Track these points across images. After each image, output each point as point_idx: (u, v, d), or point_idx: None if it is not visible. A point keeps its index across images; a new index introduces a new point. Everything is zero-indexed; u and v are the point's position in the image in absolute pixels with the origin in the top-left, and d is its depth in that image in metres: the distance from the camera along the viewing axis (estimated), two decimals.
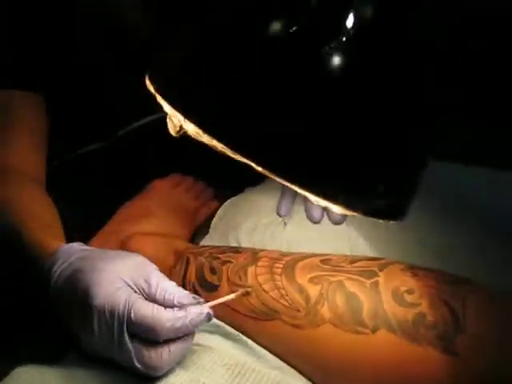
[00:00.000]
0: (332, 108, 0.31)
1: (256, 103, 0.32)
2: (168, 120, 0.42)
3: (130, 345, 0.43)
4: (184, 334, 0.44)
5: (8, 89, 0.69)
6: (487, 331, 0.43)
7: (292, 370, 0.49)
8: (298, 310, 0.48)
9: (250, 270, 0.53)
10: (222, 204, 0.76)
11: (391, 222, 0.36)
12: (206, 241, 0.68)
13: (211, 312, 0.45)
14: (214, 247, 0.61)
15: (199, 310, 0.44)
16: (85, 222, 0.74)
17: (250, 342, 0.50)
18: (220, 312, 0.53)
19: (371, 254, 0.56)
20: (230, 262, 0.55)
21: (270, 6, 0.35)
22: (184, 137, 0.80)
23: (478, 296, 0.46)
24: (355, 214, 0.33)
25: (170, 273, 0.59)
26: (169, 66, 0.35)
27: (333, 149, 0.31)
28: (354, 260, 0.52)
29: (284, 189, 0.69)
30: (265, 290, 0.51)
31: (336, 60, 0.32)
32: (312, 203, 0.62)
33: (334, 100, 0.32)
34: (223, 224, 0.69)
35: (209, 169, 0.85)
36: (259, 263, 0.54)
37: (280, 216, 0.66)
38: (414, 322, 0.44)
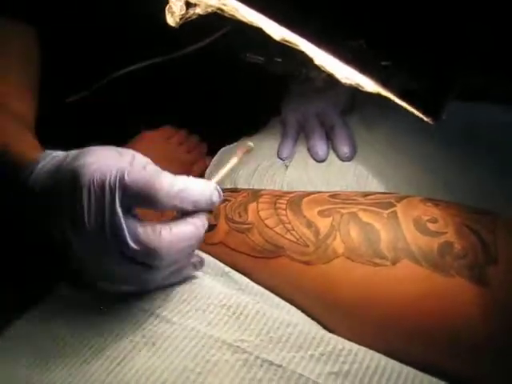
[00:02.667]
0: None
1: None
2: (168, 11, 0.36)
3: (122, 219, 0.35)
4: (186, 211, 0.38)
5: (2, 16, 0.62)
6: None
7: (294, 309, 0.43)
8: (307, 245, 0.43)
9: (251, 206, 0.48)
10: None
11: (423, 117, 0.30)
12: None
13: (218, 188, 0.39)
14: None
15: (203, 183, 0.38)
16: None
17: (245, 279, 0.44)
18: (218, 252, 0.47)
19: (385, 188, 0.50)
20: (227, 200, 0.50)
21: None
22: (173, 79, 0.75)
23: (508, 224, 0.41)
24: (389, 92, 0.27)
25: (162, 215, 0.53)
26: None
27: (372, 8, 0.25)
28: (366, 194, 0.47)
29: (285, 131, 0.64)
30: (268, 226, 0.45)
31: None
32: (316, 140, 0.57)
33: None
34: (219, 170, 0.64)
35: (203, 124, 0.81)
36: (261, 199, 0.48)
37: (281, 159, 0.61)
38: (440, 252, 0.39)
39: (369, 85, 0.27)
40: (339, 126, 0.59)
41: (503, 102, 0.58)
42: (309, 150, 0.59)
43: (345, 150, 0.57)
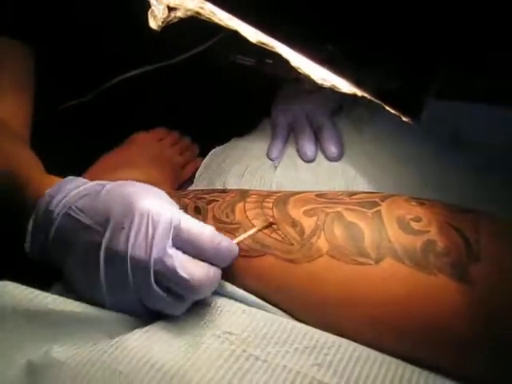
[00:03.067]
0: None
1: None
2: (150, 14, 0.37)
3: (173, 251, 0.39)
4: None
5: None
6: (503, 258, 0.39)
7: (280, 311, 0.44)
8: (292, 244, 0.43)
9: (239, 206, 0.48)
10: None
11: (403, 116, 0.30)
12: (193, 185, 0.62)
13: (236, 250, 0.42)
14: (199, 189, 0.56)
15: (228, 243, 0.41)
16: (64, 175, 0.69)
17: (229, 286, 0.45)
18: None
19: (369, 187, 0.51)
20: (216, 200, 0.50)
21: None
22: (165, 85, 0.75)
23: (491, 223, 0.42)
24: (365, 93, 0.28)
25: None
26: None
27: (345, 7, 0.26)
28: (352, 193, 0.47)
29: (275, 132, 0.64)
30: (254, 225, 0.46)
31: None
32: (305, 140, 0.58)
33: None
34: (208, 172, 0.64)
35: (194, 125, 0.81)
36: (248, 199, 0.49)
37: (271, 159, 0.62)
38: (423, 250, 0.39)
39: (344, 86, 0.28)
40: (327, 126, 0.60)
41: (487, 100, 0.58)
42: (298, 150, 0.60)
43: (332, 149, 0.58)
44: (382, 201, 0.45)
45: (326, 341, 0.39)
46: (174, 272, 0.38)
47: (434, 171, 0.54)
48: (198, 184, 0.64)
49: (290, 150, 0.61)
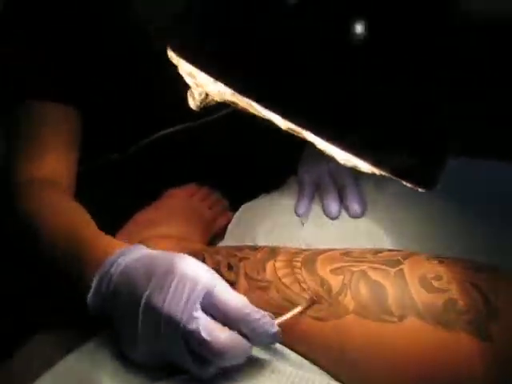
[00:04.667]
0: (361, 63, 0.30)
1: (286, 63, 0.31)
2: (189, 95, 0.41)
3: (201, 314, 0.41)
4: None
5: (45, 100, 0.70)
6: None
7: (315, 367, 0.46)
8: (320, 303, 0.46)
9: (269, 264, 0.51)
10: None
11: (420, 189, 0.34)
12: (222, 245, 0.66)
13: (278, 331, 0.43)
14: (230, 246, 0.60)
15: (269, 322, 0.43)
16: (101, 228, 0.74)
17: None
18: None
19: (392, 245, 0.54)
20: (247, 258, 0.54)
21: None
22: (201, 141, 0.80)
23: (509, 281, 0.44)
24: (384, 172, 0.31)
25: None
26: (197, 34, 0.35)
27: (363, 101, 0.30)
28: (376, 251, 0.50)
29: (302, 190, 0.68)
30: (285, 284, 0.49)
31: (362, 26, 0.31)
32: (329, 199, 0.61)
33: (364, 57, 0.31)
34: (239, 227, 0.68)
35: (223, 180, 0.85)
36: (278, 258, 0.52)
37: (298, 215, 0.65)
38: (444, 308, 0.42)
39: (365, 166, 0.31)
40: (350, 185, 0.63)
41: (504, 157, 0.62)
42: (323, 208, 0.63)
43: (355, 208, 0.61)
44: (404, 259, 0.47)
45: None
46: (198, 334, 0.40)
47: (450, 227, 0.56)
48: (229, 239, 0.67)
49: (316, 207, 0.64)
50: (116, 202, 0.81)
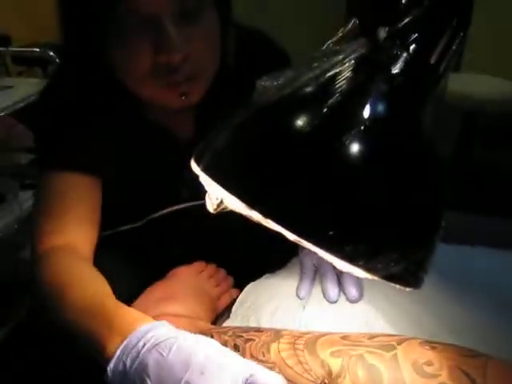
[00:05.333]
0: (353, 184, 0.36)
1: (292, 184, 0.37)
2: (207, 198, 0.47)
3: None
4: None
5: (70, 171, 0.76)
6: None
7: None
8: None
9: (273, 346, 0.55)
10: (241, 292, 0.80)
11: (407, 289, 0.39)
12: (228, 324, 0.70)
13: None
14: (236, 327, 0.64)
15: None
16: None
17: None
18: None
19: (389, 332, 0.58)
20: (252, 339, 0.58)
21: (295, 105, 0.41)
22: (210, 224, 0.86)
23: (498, 368, 0.48)
24: (375, 277, 0.37)
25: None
26: (217, 151, 0.41)
27: (355, 221, 0.36)
28: (372, 336, 0.54)
29: (303, 273, 0.72)
30: (288, 366, 0.53)
31: (356, 146, 0.38)
32: (328, 283, 0.66)
33: (356, 178, 0.37)
34: (244, 308, 0.72)
35: (229, 258, 0.90)
36: (282, 340, 0.56)
37: (299, 298, 0.69)
38: None
39: (359, 272, 0.37)
40: None
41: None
42: (322, 291, 0.68)
43: (353, 292, 0.66)
44: (399, 344, 0.52)
45: None
46: None
47: (447, 312, 0.61)
48: (234, 318, 0.71)
49: (317, 290, 0.69)
50: (125, 272, 0.86)
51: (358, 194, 0.36)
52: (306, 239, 0.35)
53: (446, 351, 0.49)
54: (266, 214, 0.36)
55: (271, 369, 0.53)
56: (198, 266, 0.86)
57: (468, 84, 2.28)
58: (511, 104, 2.21)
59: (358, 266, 0.35)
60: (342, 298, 0.67)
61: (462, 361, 0.48)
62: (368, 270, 0.35)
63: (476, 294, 0.62)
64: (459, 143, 2.46)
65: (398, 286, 0.38)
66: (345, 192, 0.36)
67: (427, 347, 0.50)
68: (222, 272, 0.88)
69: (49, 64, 2.06)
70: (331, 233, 0.35)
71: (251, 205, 0.36)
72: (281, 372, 0.52)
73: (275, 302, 0.68)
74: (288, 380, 0.52)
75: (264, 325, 0.64)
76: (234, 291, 0.84)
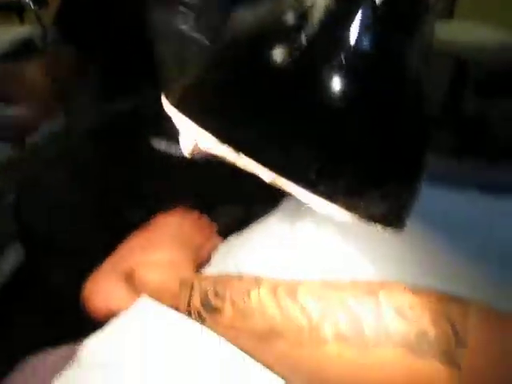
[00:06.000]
0: (333, 118, 0.34)
1: (269, 117, 0.34)
2: (181, 141, 0.44)
3: None
4: None
5: None
6: (488, 346, 0.44)
7: None
8: (301, 330, 0.49)
9: (254, 292, 0.54)
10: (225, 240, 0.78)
11: (389, 229, 0.37)
12: (208, 271, 0.69)
13: None
14: (217, 274, 0.62)
15: None
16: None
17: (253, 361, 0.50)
18: (224, 333, 0.53)
19: (372, 275, 0.57)
20: (233, 286, 0.57)
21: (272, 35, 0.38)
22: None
23: (481, 312, 0.47)
24: (355, 217, 0.35)
25: (175, 298, 0.60)
26: (189, 84, 0.38)
27: (334, 156, 0.33)
28: (354, 281, 0.53)
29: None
30: (268, 312, 0.52)
31: (337, 80, 0.35)
32: None
33: (336, 112, 0.34)
34: (223, 253, 0.71)
35: (212, 205, 0.88)
36: (262, 286, 0.55)
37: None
38: (416, 338, 0.45)
39: (338, 213, 0.35)
40: None
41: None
42: None
43: None
44: (381, 289, 0.50)
45: None
46: None
47: (436, 258, 0.60)
48: (214, 266, 0.70)
49: (297, 231, 0.67)
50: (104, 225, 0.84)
51: (337, 127, 0.33)
52: (282, 175, 0.33)
53: (429, 296, 0.48)
54: (240, 150, 0.33)
55: (251, 315, 0.52)
56: (179, 213, 0.84)
57: (461, 31, 2.23)
58: (505, 52, 2.16)
59: (338, 204, 0.33)
60: (325, 241, 0.65)
61: (443, 305, 0.47)
62: (348, 209, 0.33)
63: (462, 239, 0.61)
64: (450, 93, 2.43)
65: (379, 228, 0.36)
66: (324, 126, 0.33)
67: (410, 292, 0.49)
68: (205, 219, 0.86)
69: (25, 11, 1.98)
70: (309, 168, 0.32)
71: (225, 140, 0.34)
72: (260, 318, 0.51)
73: (256, 244, 0.66)
74: (267, 326, 0.50)
75: (243, 269, 0.63)
76: (218, 238, 0.83)
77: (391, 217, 0.36)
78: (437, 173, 0.56)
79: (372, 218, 0.34)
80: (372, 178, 0.34)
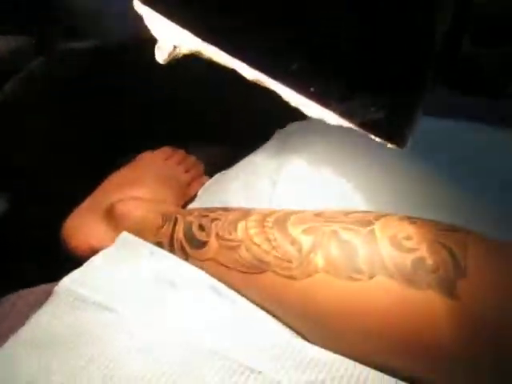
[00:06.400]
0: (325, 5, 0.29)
1: (253, 6, 0.30)
2: (156, 48, 0.40)
3: None
4: None
5: None
6: (489, 275, 0.41)
7: (280, 324, 0.46)
8: (290, 261, 0.46)
9: (241, 224, 0.51)
10: None
11: (389, 144, 0.33)
12: (193, 206, 0.65)
13: None
14: (203, 208, 0.59)
15: None
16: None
17: (231, 293, 0.47)
18: (208, 268, 0.50)
19: (367, 207, 0.53)
20: (219, 219, 0.53)
21: None
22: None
23: (480, 242, 0.44)
24: (351, 123, 0.31)
25: (157, 233, 0.56)
26: None
27: (324, 50, 0.29)
28: (348, 212, 0.50)
29: None
30: (255, 243, 0.49)
31: None
32: None
33: None
34: (210, 191, 0.67)
35: (200, 145, 0.84)
36: (250, 218, 0.51)
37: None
38: (413, 267, 0.42)
39: (332, 118, 0.30)
40: None
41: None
42: None
43: None
44: (376, 220, 0.47)
45: (319, 358, 0.41)
46: None
47: (433, 188, 0.56)
48: (200, 201, 0.66)
49: (289, 166, 0.64)
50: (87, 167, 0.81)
51: (326, 20, 0.29)
52: (266, 73, 0.28)
53: (426, 226, 0.45)
54: (221, 46, 0.29)
55: (237, 247, 0.49)
56: (164, 151, 0.81)
57: None
58: None
59: (330, 108, 0.29)
60: (316, 172, 0.61)
61: (442, 235, 0.44)
62: (342, 113, 0.29)
63: (460, 169, 0.57)
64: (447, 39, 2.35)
65: (377, 139, 0.32)
66: (311, 17, 0.29)
67: (406, 222, 0.46)
68: (192, 158, 0.83)
69: None
70: (296, 65, 0.28)
71: (203, 34, 0.29)
72: (247, 250, 0.48)
73: (242, 180, 0.62)
74: (254, 259, 0.47)
75: (231, 204, 0.60)
76: (205, 178, 0.79)
77: (392, 128, 0.32)
78: (437, 104, 0.52)
79: (369, 125, 0.30)
80: (369, 78, 0.30)
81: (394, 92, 0.31)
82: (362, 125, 0.30)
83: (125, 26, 0.71)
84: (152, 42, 0.40)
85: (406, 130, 0.34)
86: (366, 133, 0.31)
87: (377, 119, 0.30)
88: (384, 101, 0.30)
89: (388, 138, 0.32)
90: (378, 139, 0.32)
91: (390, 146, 0.34)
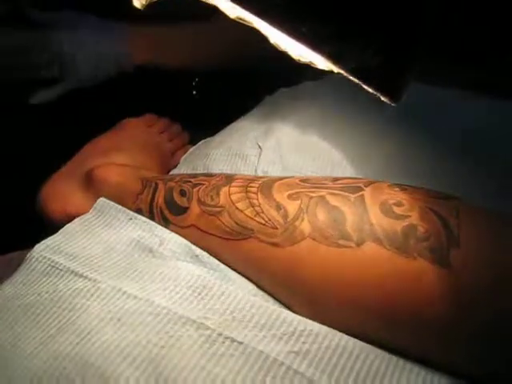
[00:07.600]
0: None
1: None
2: None
3: None
4: None
5: None
6: (481, 245, 0.39)
7: (263, 293, 0.44)
8: (275, 227, 0.43)
9: (224, 190, 0.48)
10: None
11: (382, 96, 0.31)
12: (174, 172, 0.63)
13: None
14: (185, 173, 0.56)
15: None
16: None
17: (214, 261, 0.45)
18: (189, 235, 0.48)
19: (356, 174, 0.51)
20: (201, 184, 0.50)
21: None
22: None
23: (472, 210, 0.42)
24: (342, 70, 0.28)
25: (136, 199, 0.54)
26: None
27: None
28: (336, 178, 0.47)
29: None
30: (238, 209, 0.46)
31: None
32: None
33: None
34: (192, 156, 0.65)
35: (185, 113, 0.81)
36: (233, 183, 0.49)
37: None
38: (403, 234, 0.39)
39: (321, 62, 0.28)
40: None
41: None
42: None
43: None
44: (366, 186, 0.45)
45: (304, 328, 0.39)
46: None
47: (424, 156, 0.54)
48: (181, 167, 0.64)
49: (275, 134, 0.61)
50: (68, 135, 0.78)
51: None
52: (253, 13, 0.25)
53: (417, 193, 0.43)
54: None
55: (219, 213, 0.46)
56: (148, 118, 0.78)
57: None
58: None
59: (320, 52, 0.26)
60: (303, 137, 0.59)
61: (433, 202, 0.41)
62: (333, 58, 0.26)
63: (450, 138, 0.55)
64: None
65: (370, 90, 0.29)
66: None
67: (397, 189, 0.43)
68: (177, 127, 0.80)
69: None
70: (285, 3, 0.25)
71: None
72: (230, 216, 0.45)
73: (227, 146, 0.60)
74: (237, 225, 0.45)
75: (213, 171, 0.57)
76: (189, 147, 0.76)
77: (385, 78, 0.29)
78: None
79: (361, 72, 0.28)
80: (360, 23, 0.27)
81: (389, 36, 0.28)
82: (353, 71, 0.27)
83: None
84: None
85: (400, 81, 0.31)
86: (357, 82, 0.29)
87: (369, 66, 0.28)
88: (378, 45, 0.28)
89: (380, 88, 0.30)
90: (370, 90, 0.30)
91: (383, 99, 0.31)
